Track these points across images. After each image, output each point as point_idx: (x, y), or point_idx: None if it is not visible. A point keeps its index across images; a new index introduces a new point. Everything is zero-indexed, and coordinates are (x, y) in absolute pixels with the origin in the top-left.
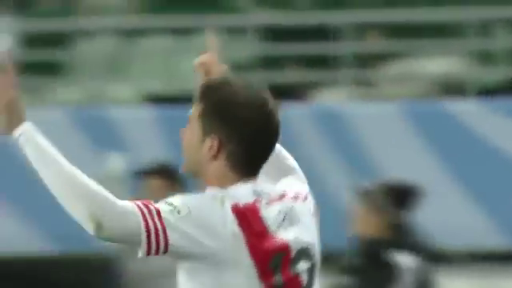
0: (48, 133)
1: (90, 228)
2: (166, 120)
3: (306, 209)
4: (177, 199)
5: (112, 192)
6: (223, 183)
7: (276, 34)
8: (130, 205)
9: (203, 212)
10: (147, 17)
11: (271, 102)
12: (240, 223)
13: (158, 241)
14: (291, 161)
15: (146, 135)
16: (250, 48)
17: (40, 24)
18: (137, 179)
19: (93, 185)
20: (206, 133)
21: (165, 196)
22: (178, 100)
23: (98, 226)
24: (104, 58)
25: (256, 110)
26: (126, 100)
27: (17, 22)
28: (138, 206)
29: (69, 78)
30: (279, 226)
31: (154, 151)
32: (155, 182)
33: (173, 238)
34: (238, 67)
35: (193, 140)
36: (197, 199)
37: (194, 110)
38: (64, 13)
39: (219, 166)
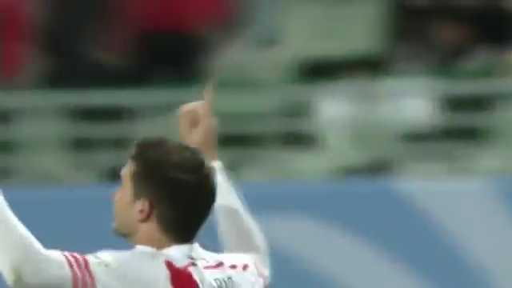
0: (468, 203)
1: (8, 278)
2: None
3: (246, 278)
4: (105, 254)
5: None
6: (155, 246)
7: None
8: (56, 255)
9: (132, 267)
10: None
11: (207, 164)
12: (173, 282)
13: None
14: (259, 242)
15: None
16: None
17: (462, 86)
18: None
19: (26, 237)
20: (136, 194)
21: None
22: None
23: (17, 278)
24: None
25: (189, 172)
26: None
27: (438, 84)
28: (65, 256)
29: (491, 144)
30: None
31: None
32: None
33: None
34: None
35: (124, 200)
36: (126, 255)
37: (127, 170)
38: (487, 73)
39: (150, 228)
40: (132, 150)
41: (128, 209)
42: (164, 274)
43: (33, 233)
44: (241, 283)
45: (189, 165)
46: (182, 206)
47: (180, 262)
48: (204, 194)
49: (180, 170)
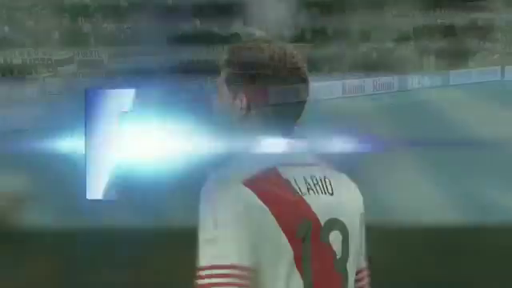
0: None
1: None
2: None
3: (347, 187)
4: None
5: None
6: (257, 139)
7: None
8: None
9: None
10: None
11: (297, 55)
12: (261, 195)
13: None
14: None
15: None
16: None
17: None
18: None
19: None
20: (234, 95)
21: None
22: None
23: None
24: None
25: (279, 62)
26: None
27: None
28: None
29: None
30: (310, 188)
31: None
32: None
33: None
34: None
35: (225, 104)
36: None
37: (221, 76)
38: None
39: (251, 123)
40: (223, 58)
41: (230, 110)
42: (247, 194)
43: None
44: (340, 185)
45: (279, 56)
46: (276, 95)
47: (267, 162)
48: (295, 82)
49: (271, 62)
